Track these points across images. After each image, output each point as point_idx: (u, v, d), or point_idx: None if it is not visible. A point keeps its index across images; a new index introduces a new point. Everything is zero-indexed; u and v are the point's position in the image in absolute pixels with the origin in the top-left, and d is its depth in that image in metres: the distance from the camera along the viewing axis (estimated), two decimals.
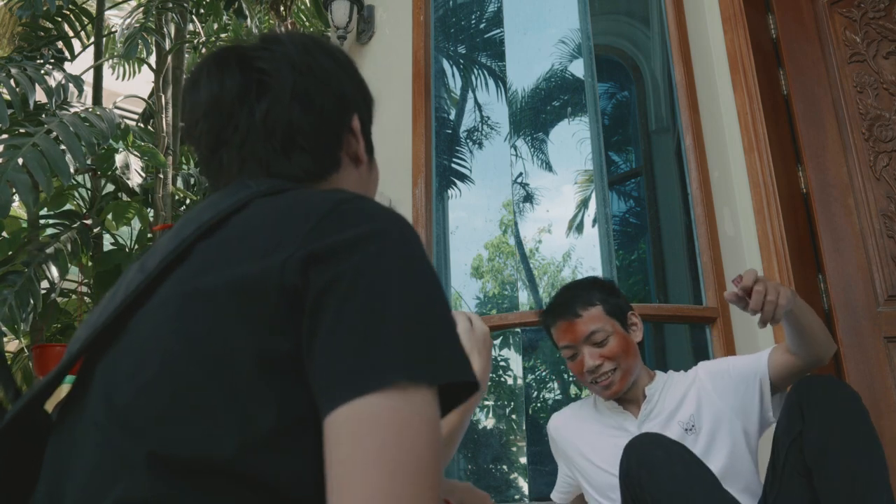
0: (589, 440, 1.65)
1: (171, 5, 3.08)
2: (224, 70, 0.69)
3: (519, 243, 2.79)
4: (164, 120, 3.09)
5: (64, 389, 0.63)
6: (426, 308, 0.52)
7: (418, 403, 0.47)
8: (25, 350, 2.99)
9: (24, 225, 2.78)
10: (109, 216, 2.80)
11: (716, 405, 1.54)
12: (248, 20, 4.57)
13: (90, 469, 0.51)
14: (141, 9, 3.05)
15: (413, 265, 0.53)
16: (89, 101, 2.97)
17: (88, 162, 2.61)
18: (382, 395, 0.46)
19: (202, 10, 4.08)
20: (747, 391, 1.54)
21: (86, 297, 2.79)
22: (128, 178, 2.89)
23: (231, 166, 0.69)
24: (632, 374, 1.60)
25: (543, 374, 2.64)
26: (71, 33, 3.27)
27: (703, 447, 1.51)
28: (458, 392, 0.53)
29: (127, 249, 2.94)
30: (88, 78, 3.02)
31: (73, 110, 2.39)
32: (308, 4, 5.01)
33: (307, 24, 5.19)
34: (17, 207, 3.09)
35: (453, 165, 2.87)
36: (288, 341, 0.51)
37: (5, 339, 3.02)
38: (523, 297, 2.81)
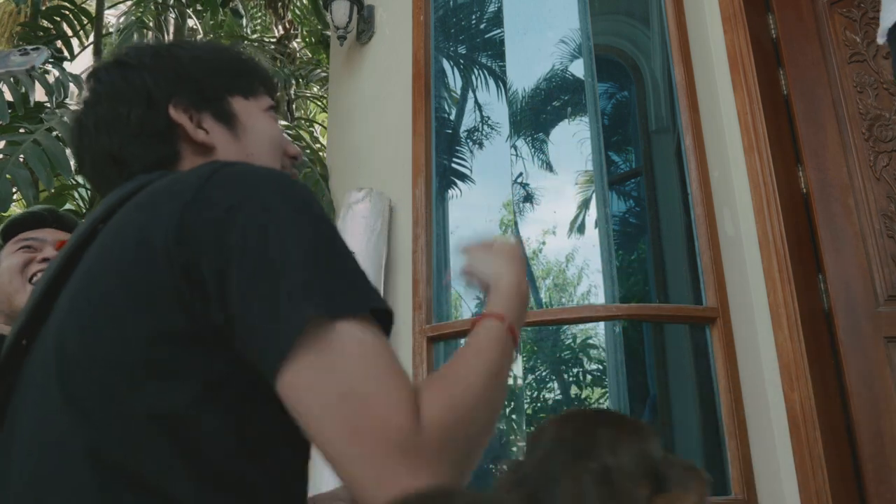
0: None
1: (171, 2, 3.07)
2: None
3: (519, 243, 2.79)
4: None
5: None
6: (317, 252, 0.54)
7: (338, 339, 0.51)
8: None
9: None
10: None
11: None
12: (244, 18, 4.56)
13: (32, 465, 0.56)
14: (138, 5, 3.05)
15: (293, 215, 0.55)
16: None
17: None
18: (302, 352, 0.50)
19: (199, 7, 4.08)
20: None
21: None
22: None
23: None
24: None
25: (543, 374, 2.64)
26: (70, 33, 3.26)
27: None
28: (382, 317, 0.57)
29: None
30: None
31: (73, 108, 2.38)
32: (305, 2, 5.00)
33: (305, 22, 5.18)
34: (17, 207, 3.08)
35: (453, 165, 2.87)
36: (184, 317, 0.54)
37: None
38: None
